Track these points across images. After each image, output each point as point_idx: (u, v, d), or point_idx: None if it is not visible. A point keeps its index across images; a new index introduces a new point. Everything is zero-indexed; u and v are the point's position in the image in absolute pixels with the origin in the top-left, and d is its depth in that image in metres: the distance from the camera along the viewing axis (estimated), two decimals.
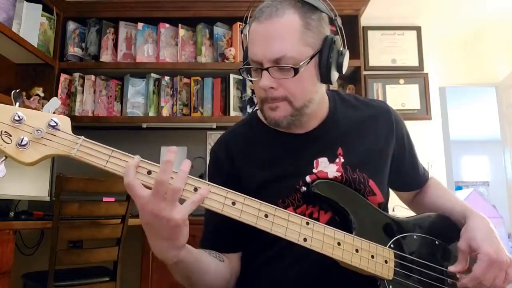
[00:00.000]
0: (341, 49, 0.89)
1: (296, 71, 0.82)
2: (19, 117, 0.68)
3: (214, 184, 0.74)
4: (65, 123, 0.71)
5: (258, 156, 0.95)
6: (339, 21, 0.90)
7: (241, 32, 0.97)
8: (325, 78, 0.87)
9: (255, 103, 2.79)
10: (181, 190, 0.67)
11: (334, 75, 0.88)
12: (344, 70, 0.90)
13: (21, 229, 2.24)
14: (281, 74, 0.83)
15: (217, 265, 0.88)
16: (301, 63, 0.82)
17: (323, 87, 0.94)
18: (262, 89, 0.85)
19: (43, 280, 1.89)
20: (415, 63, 3.05)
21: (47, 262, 1.88)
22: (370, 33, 3.08)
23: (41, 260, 2.20)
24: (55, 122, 0.70)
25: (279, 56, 0.82)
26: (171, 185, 0.66)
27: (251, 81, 0.94)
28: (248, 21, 0.90)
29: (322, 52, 0.85)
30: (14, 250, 1.83)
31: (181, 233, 0.69)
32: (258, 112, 1.01)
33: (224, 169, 0.96)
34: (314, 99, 0.89)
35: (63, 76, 2.75)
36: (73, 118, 2.64)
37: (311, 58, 0.84)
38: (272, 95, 0.85)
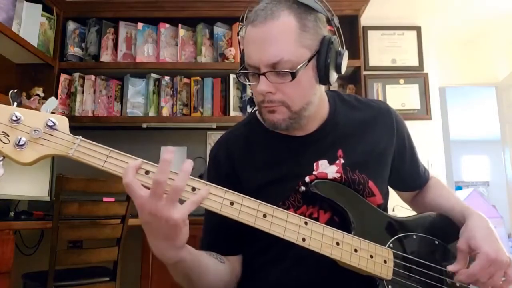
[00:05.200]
0: (339, 49, 0.87)
1: (293, 75, 0.80)
2: (16, 117, 0.67)
3: (212, 184, 0.74)
4: (63, 123, 0.71)
5: (258, 157, 0.94)
6: (336, 20, 0.87)
7: (238, 34, 0.96)
8: (323, 79, 0.85)
9: (255, 103, 2.80)
10: (182, 190, 0.66)
11: (333, 76, 0.87)
12: (343, 70, 0.88)
13: (21, 229, 2.24)
14: (279, 79, 0.82)
15: (216, 266, 0.87)
16: (299, 67, 0.80)
17: (322, 88, 0.92)
18: (260, 93, 0.84)
19: (43, 280, 1.89)
20: (415, 63, 3.05)
21: (47, 262, 1.88)
22: (370, 33, 3.07)
23: (41, 260, 2.20)
24: (52, 122, 0.69)
25: (275, 61, 0.80)
26: (172, 184, 0.65)
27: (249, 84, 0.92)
28: (243, 23, 0.87)
29: (320, 53, 0.83)
30: (14, 250, 1.83)
31: (181, 233, 0.68)
32: (257, 113, 1.00)
33: (223, 171, 0.96)
34: (313, 102, 0.88)
35: (63, 76, 2.75)
36: (73, 118, 2.64)
37: (309, 60, 0.82)
38: (269, 98, 0.84)
